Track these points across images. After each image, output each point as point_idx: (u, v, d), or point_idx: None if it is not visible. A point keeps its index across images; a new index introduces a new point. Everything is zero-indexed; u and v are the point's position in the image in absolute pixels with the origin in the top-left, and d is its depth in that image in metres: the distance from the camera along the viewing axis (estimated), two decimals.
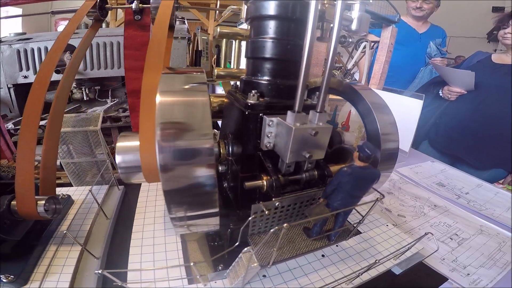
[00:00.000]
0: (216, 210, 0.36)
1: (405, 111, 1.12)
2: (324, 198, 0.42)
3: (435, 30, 1.77)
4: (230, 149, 0.46)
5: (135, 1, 0.70)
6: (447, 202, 0.87)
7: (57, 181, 0.77)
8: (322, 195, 0.43)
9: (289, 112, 0.38)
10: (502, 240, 0.70)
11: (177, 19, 1.44)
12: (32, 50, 1.19)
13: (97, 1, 0.68)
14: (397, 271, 0.56)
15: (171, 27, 0.83)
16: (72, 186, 0.76)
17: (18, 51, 1.18)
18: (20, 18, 1.33)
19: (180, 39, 1.35)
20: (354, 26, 0.46)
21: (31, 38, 1.19)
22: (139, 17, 0.73)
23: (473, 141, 1.21)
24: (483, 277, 0.58)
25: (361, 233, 0.62)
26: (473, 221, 0.78)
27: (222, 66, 0.61)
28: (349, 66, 1.32)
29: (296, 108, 0.37)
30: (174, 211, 0.35)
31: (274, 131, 0.41)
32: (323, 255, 0.55)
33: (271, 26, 0.43)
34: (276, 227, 0.36)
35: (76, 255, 0.52)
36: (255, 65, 0.47)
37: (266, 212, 0.39)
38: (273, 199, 0.40)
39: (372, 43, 1.27)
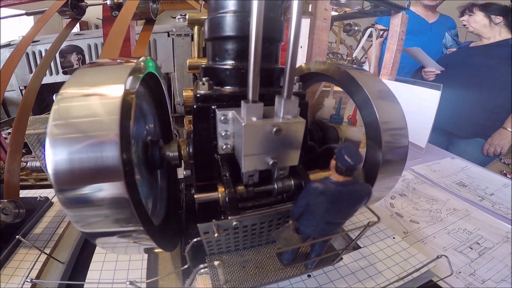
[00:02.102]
0: (138, 227, 0.25)
1: (421, 103, 0.95)
2: (292, 220, 0.30)
3: (445, 19, 1.59)
4: (190, 150, 0.35)
5: None
6: (468, 205, 0.71)
7: (43, 183, 0.71)
8: (290, 216, 0.30)
9: (242, 102, 0.26)
10: None
11: (179, 16, 1.34)
12: (40, 52, 1.14)
13: None
14: None
15: (150, 21, 0.74)
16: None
17: (27, 54, 1.13)
18: (32, 21, 1.28)
19: (184, 36, 1.24)
20: None
21: (39, 41, 1.14)
22: (117, 13, 0.64)
23: (454, 112, 1.27)
24: None
25: (360, 247, 0.49)
26: (498, 227, 0.63)
27: (196, 56, 0.50)
28: (355, 54, 1.15)
29: (250, 96, 0.24)
30: (80, 226, 0.25)
31: (231, 129, 0.29)
32: (309, 275, 0.43)
33: None
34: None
35: (43, 259, 0.45)
36: (214, 48, 0.35)
37: (216, 235, 0.27)
38: (229, 217, 0.28)
39: (382, 32, 1.10)
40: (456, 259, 0.52)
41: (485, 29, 1.26)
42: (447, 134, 1.40)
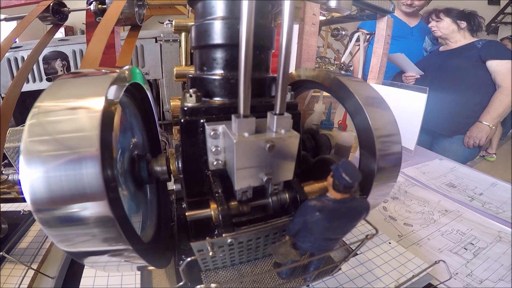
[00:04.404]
0: (127, 247, 0.23)
1: (408, 106, 0.97)
2: (289, 236, 0.28)
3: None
4: (179, 165, 0.33)
5: (93, 2, 0.60)
6: (459, 206, 0.71)
7: None
8: (286, 232, 0.29)
9: (233, 117, 0.24)
10: None
11: (167, 22, 1.32)
12: (23, 58, 1.09)
13: (49, 5, 0.57)
14: None
15: (136, 27, 0.72)
16: None
17: (9, 60, 1.08)
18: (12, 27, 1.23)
19: (172, 42, 1.22)
20: (333, 4, 0.32)
21: (21, 46, 1.09)
22: (101, 18, 0.62)
23: (436, 112, 1.30)
24: None
25: (357, 254, 0.48)
26: (490, 227, 0.63)
27: (184, 63, 0.48)
28: (343, 59, 1.15)
29: (242, 110, 0.23)
30: (65, 246, 0.23)
31: (222, 143, 0.27)
32: (308, 286, 0.41)
33: (217, 3, 0.29)
34: None
35: (31, 274, 0.43)
36: (201, 56, 0.33)
37: (210, 254, 0.25)
38: (223, 235, 0.27)
39: (368, 36, 1.11)
40: (452, 260, 0.52)
41: (453, 34, 1.35)
42: (431, 133, 1.46)
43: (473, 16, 1.32)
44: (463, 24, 1.32)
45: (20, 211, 0.57)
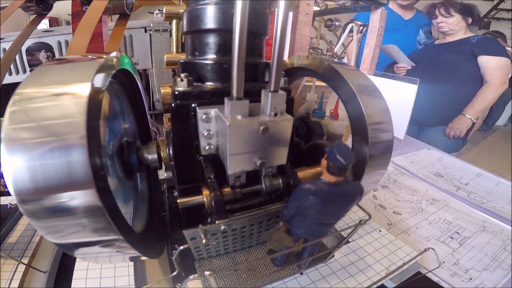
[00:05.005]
0: (118, 237, 0.23)
1: (399, 97, 0.99)
2: (283, 221, 0.28)
3: (421, 16, 1.62)
4: (171, 151, 0.32)
5: None
6: (446, 195, 0.72)
7: None
8: (280, 218, 0.28)
9: (226, 100, 0.24)
10: (507, 238, 0.57)
11: (157, 11, 1.28)
12: (4, 50, 1.05)
13: None
14: (390, 285, 0.43)
15: (125, 15, 0.70)
16: None
17: None
18: None
19: (162, 32, 1.19)
20: None
21: (3, 38, 1.04)
22: (88, 7, 0.60)
23: (423, 104, 1.32)
24: (486, 282, 0.46)
25: (349, 242, 0.48)
26: (475, 216, 0.64)
27: (175, 51, 0.47)
28: (336, 49, 1.15)
29: (235, 92, 0.22)
30: (53, 238, 0.22)
31: (214, 128, 0.27)
32: (301, 273, 0.42)
33: None
34: None
35: (23, 269, 0.42)
36: (193, 41, 0.32)
37: (204, 241, 0.25)
38: (216, 222, 0.26)
39: (361, 27, 1.11)
40: (439, 249, 0.53)
41: (460, 30, 1.34)
42: (418, 123, 1.49)
43: (476, 11, 1.33)
44: (470, 20, 1.32)
45: (7, 205, 0.55)
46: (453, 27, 1.33)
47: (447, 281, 0.46)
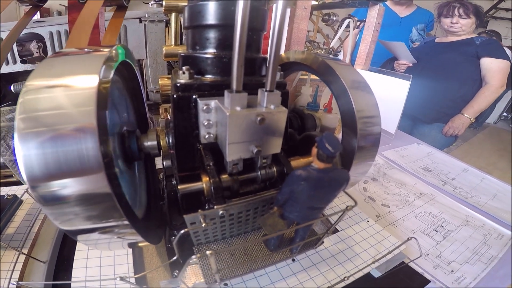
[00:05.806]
0: (122, 222, 0.24)
1: (391, 92, 1.00)
2: (277, 206, 0.31)
3: (419, 13, 1.63)
4: (170, 140, 0.34)
5: None
6: (433, 189, 0.76)
7: (8, 180, 0.66)
8: (274, 203, 0.31)
9: (226, 92, 0.26)
10: (488, 232, 0.60)
11: (152, 2, 1.28)
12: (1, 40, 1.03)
13: None
14: (376, 274, 0.46)
15: (122, 7, 0.70)
16: (22, 184, 0.64)
17: None
18: None
19: (157, 22, 1.19)
20: None
21: None
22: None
23: (420, 100, 1.39)
24: (467, 274, 0.49)
25: (338, 231, 0.51)
26: (459, 211, 0.68)
27: (173, 43, 0.48)
28: (332, 44, 1.17)
29: (234, 86, 0.24)
30: (60, 223, 0.24)
31: (214, 118, 0.29)
32: (293, 260, 0.45)
33: None
34: None
35: (23, 259, 0.43)
36: (194, 36, 0.34)
37: (203, 225, 0.27)
38: (215, 207, 0.28)
39: (358, 23, 1.13)
40: (424, 241, 0.56)
41: (469, 31, 1.37)
42: (413, 119, 1.54)
43: (483, 13, 1.36)
44: (478, 22, 1.35)
45: (4, 196, 0.56)
46: (466, 28, 1.35)
47: (430, 272, 0.48)
